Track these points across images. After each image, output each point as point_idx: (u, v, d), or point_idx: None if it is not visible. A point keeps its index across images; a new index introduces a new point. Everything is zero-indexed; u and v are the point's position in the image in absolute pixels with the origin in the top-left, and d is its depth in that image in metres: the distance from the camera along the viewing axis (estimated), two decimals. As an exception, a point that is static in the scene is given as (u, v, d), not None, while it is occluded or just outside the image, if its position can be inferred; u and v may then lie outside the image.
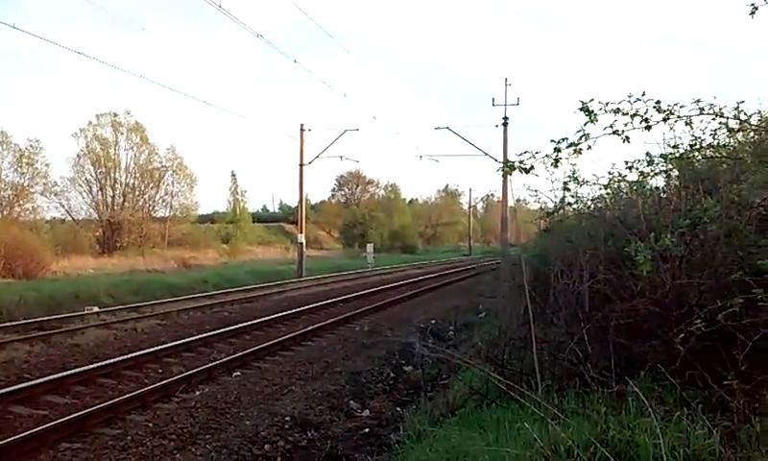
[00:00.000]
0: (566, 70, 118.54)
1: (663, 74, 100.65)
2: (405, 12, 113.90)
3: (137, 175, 47.25)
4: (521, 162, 4.98)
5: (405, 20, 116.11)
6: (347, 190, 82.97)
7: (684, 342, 4.38)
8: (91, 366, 10.56)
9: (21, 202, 38.63)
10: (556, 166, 4.97)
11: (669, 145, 5.69)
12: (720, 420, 4.12)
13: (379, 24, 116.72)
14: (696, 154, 5.68)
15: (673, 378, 4.57)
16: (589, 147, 4.86)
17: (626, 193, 6.93)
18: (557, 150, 4.86)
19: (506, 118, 35.13)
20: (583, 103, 4.76)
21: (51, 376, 9.79)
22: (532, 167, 4.96)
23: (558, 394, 5.23)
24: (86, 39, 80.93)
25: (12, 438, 7.01)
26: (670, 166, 5.82)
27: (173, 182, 49.01)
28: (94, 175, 45.52)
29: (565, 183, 6.64)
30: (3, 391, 8.85)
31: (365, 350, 13.29)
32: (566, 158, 5.04)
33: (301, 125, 35.75)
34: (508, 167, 5.02)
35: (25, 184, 38.94)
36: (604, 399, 4.83)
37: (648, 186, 6.46)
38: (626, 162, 5.93)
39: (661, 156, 5.65)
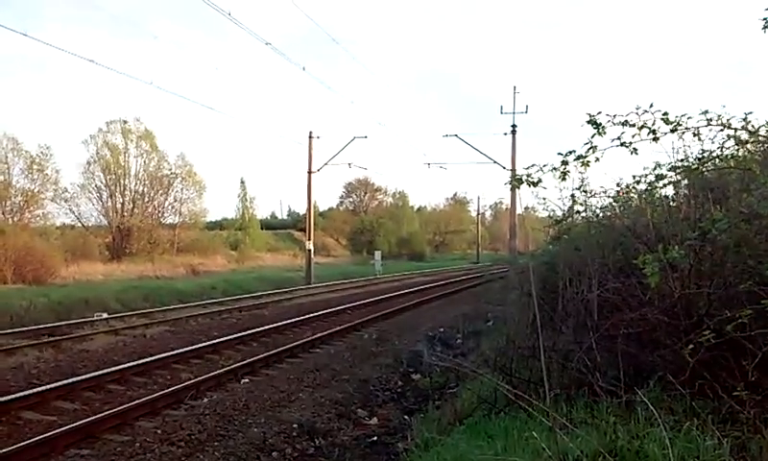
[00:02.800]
0: (575, 78, 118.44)
1: (673, 81, 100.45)
2: (413, 19, 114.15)
3: (147, 182, 47.40)
4: (529, 176, 4.98)
5: (413, 27, 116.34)
6: (355, 197, 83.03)
7: (693, 352, 4.37)
8: (100, 372, 10.61)
9: (32, 208, 38.76)
10: (564, 179, 4.98)
11: (678, 156, 5.68)
12: (730, 430, 4.10)
13: (386, 31, 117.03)
14: (705, 164, 5.66)
15: (682, 388, 4.55)
16: (597, 159, 4.85)
17: (635, 202, 6.93)
18: (564, 163, 4.85)
19: (514, 126, 35.10)
20: (590, 115, 4.76)
21: (60, 382, 9.85)
22: (540, 181, 4.96)
23: (566, 403, 5.23)
24: (97, 47, 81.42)
25: (21, 444, 7.05)
26: (679, 177, 5.81)
27: (182, 189, 49.07)
28: (104, 181, 45.68)
29: (573, 196, 6.65)
30: (13, 396, 8.90)
31: (373, 357, 13.29)
32: (575, 168, 5.04)
33: (310, 132, 35.88)
34: (516, 181, 5.02)
35: (35, 191, 39.05)
36: (613, 408, 4.82)
37: (657, 195, 6.46)
38: (634, 176, 5.93)
39: (670, 167, 5.64)
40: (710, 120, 4.80)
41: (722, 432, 3.98)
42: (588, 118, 4.77)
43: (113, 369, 10.88)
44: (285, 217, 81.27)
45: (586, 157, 4.80)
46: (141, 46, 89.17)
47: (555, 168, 4.86)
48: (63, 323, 16.20)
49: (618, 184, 6.49)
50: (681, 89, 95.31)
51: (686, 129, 4.83)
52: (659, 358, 5.13)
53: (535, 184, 4.90)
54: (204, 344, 13.64)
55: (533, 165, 4.93)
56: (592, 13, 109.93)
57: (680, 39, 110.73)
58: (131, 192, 46.65)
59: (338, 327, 16.52)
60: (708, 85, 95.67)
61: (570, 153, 4.82)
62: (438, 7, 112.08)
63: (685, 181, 6.05)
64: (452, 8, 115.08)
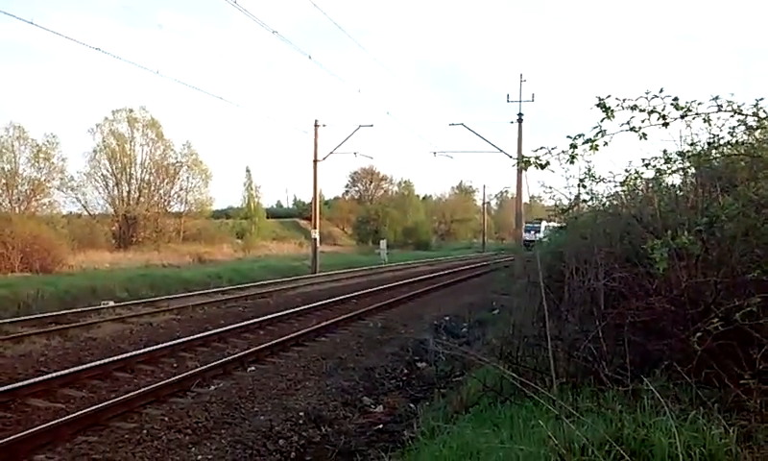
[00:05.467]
0: (582, 65, 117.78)
1: (681, 69, 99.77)
2: (419, 7, 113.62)
3: (153, 170, 47.54)
4: (537, 158, 4.95)
5: (419, 16, 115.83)
6: (360, 186, 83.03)
7: (700, 341, 4.35)
8: (107, 360, 10.65)
9: (38, 197, 38.95)
10: (572, 162, 4.95)
11: (686, 142, 5.64)
12: (736, 419, 4.09)
13: (393, 20, 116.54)
14: (714, 151, 5.63)
15: (689, 377, 4.54)
16: (606, 144, 4.82)
17: (642, 191, 6.89)
18: (573, 146, 4.83)
19: (521, 114, 34.90)
20: (600, 99, 4.73)
21: (68, 370, 9.90)
22: (548, 163, 4.93)
23: (572, 391, 5.22)
24: (103, 35, 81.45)
25: (29, 430, 7.09)
26: (687, 164, 5.77)
27: (188, 178, 49.26)
28: (110, 170, 45.86)
29: (581, 180, 6.62)
30: (21, 384, 8.96)
31: (378, 346, 13.31)
32: (582, 155, 5.01)
33: (316, 121, 35.78)
34: (524, 163, 5.00)
35: (42, 179, 39.27)
36: (619, 397, 4.81)
37: (664, 184, 6.42)
38: (643, 160, 5.89)
39: (678, 153, 5.61)
40: (720, 106, 4.77)
41: (728, 421, 3.97)
42: (597, 101, 4.74)
43: (120, 357, 10.92)
44: (291, 206, 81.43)
45: (594, 140, 4.77)
46: (147, 35, 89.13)
47: (563, 151, 4.84)
48: (70, 311, 16.26)
49: (627, 170, 6.44)
50: (689, 79, 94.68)
51: (696, 114, 4.79)
52: (665, 347, 5.11)
53: (543, 167, 4.88)
54: (210, 332, 13.67)
55: (541, 148, 4.91)
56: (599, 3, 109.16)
57: (692, 29, 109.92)
58: (137, 181, 46.83)
59: (344, 316, 16.53)
60: (717, 74, 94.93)
61: (579, 136, 4.79)
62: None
63: (693, 170, 6.01)
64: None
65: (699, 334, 4.36)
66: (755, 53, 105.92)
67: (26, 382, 9.08)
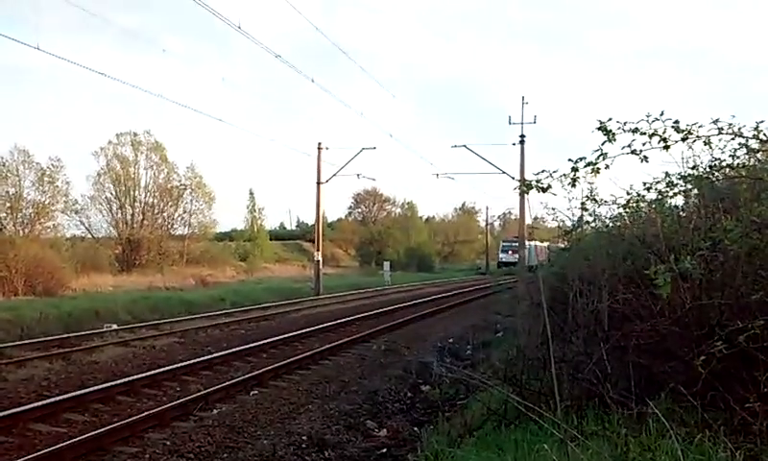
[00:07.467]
0: (584, 87, 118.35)
1: (679, 90, 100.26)
2: (421, 30, 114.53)
3: (156, 193, 47.74)
4: (539, 181, 4.98)
5: (421, 39, 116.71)
6: (363, 208, 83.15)
7: (704, 363, 4.33)
8: (110, 383, 10.63)
9: (42, 220, 38.98)
10: (573, 186, 4.97)
11: (688, 165, 5.66)
12: (743, 442, 4.06)
13: (395, 43, 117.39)
14: (715, 173, 5.64)
15: (694, 400, 4.51)
16: (607, 166, 4.84)
17: (645, 212, 6.89)
18: (574, 169, 4.85)
19: (523, 136, 35.11)
20: (601, 122, 4.75)
21: (70, 394, 9.86)
22: (549, 186, 4.95)
23: (577, 415, 5.19)
24: (107, 60, 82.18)
25: (32, 456, 7.05)
26: (689, 186, 5.78)
27: (191, 201, 49.45)
28: (114, 193, 46.09)
29: (583, 203, 6.62)
30: (23, 408, 8.93)
31: (382, 369, 13.26)
32: (584, 178, 5.03)
33: (319, 143, 35.93)
34: (525, 186, 5.03)
35: (46, 202, 39.30)
36: (624, 420, 4.78)
37: (667, 205, 6.42)
38: (644, 183, 5.90)
39: (680, 175, 5.62)
40: (721, 129, 4.78)
41: (734, 444, 3.94)
42: (598, 125, 4.76)
43: (123, 380, 10.89)
44: (294, 228, 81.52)
45: (596, 164, 4.79)
46: (151, 59, 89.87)
47: (564, 175, 4.86)
48: (73, 334, 16.23)
49: (628, 192, 6.45)
50: (690, 101, 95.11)
51: (697, 137, 4.81)
52: (670, 369, 5.08)
53: (544, 190, 4.90)
54: (213, 355, 13.64)
55: (542, 171, 4.93)
56: (603, 24, 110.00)
57: (692, 50, 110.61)
58: (140, 204, 47.02)
59: (347, 339, 16.49)
60: (720, 99, 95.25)
61: (580, 159, 4.81)
62: (447, 19, 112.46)
63: (696, 191, 6.02)
64: (461, 20, 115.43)
65: (703, 357, 4.34)
66: (754, 73, 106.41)
67: (28, 406, 9.05)
